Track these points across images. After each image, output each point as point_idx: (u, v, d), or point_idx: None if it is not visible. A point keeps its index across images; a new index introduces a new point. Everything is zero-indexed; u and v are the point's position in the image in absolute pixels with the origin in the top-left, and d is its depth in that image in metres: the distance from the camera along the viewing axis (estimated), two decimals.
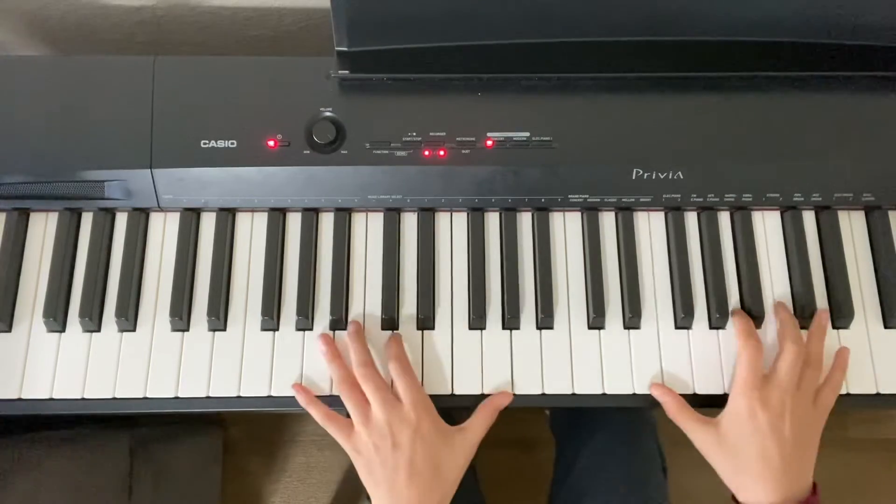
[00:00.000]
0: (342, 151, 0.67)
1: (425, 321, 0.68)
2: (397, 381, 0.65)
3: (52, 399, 0.66)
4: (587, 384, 0.67)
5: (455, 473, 0.63)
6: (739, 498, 0.62)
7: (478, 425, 0.65)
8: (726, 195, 0.70)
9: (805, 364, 0.64)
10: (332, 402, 0.66)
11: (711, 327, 0.69)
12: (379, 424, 0.62)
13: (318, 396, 0.66)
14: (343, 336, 0.68)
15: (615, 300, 0.70)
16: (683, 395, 0.67)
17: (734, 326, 0.67)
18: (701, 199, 0.70)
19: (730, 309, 0.69)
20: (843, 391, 0.67)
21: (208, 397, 0.66)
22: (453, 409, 0.68)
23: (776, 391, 0.61)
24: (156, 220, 0.71)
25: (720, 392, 0.67)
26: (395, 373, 0.65)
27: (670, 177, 0.68)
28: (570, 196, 0.70)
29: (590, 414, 0.90)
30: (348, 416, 0.64)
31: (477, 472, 0.95)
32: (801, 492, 0.60)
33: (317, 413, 0.64)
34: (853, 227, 0.72)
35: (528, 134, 0.68)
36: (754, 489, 0.60)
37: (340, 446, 0.64)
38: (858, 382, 0.68)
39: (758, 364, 0.63)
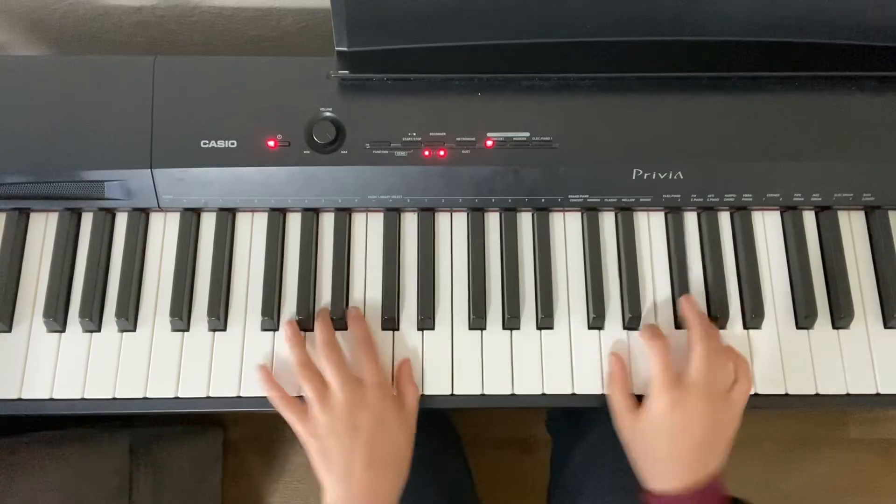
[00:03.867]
0: (342, 151, 0.67)
1: (425, 321, 0.68)
2: (361, 363, 0.64)
3: (52, 399, 0.66)
4: (587, 384, 0.67)
5: (409, 456, 0.63)
6: (647, 485, 0.63)
7: (413, 399, 0.65)
8: (726, 195, 0.70)
9: (719, 361, 0.63)
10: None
11: None
12: (338, 406, 0.60)
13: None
14: (346, 336, 0.68)
15: (615, 300, 0.70)
16: None
17: (641, 330, 0.67)
18: (701, 199, 0.70)
19: (729, 309, 0.69)
20: (843, 391, 0.68)
21: (208, 397, 0.66)
22: (453, 410, 0.68)
23: (690, 392, 0.61)
24: (156, 220, 0.71)
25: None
26: (360, 354, 0.64)
27: (670, 177, 0.68)
28: (570, 196, 0.70)
29: (585, 414, 0.90)
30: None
31: (473, 473, 0.94)
32: (705, 479, 0.61)
33: (273, 395, 0.64)
34: (853, 227, 0.72)
35: (528, 134, 0.68)
36: (662, 479, 0.62)
37: None
38: (858, 382, 0.68)
39: (668, 363, 0.63)
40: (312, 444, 0.61)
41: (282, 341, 0.68)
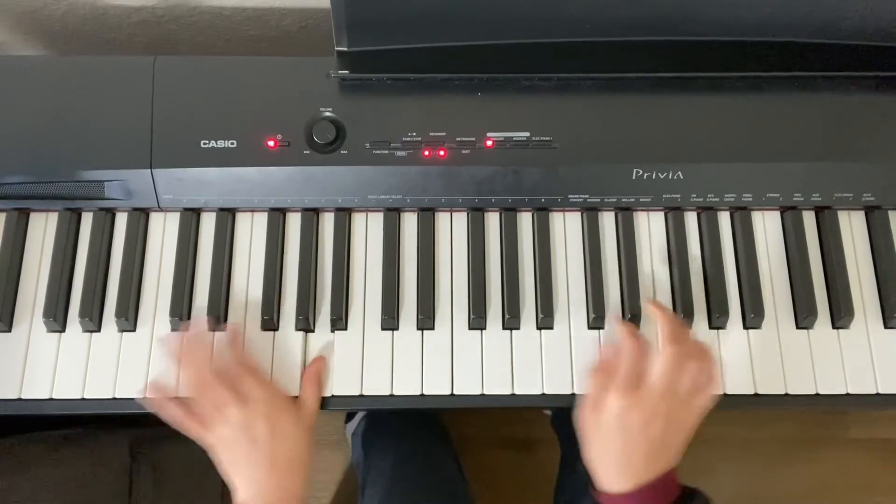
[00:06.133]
0: (342, 151, 0.67)
1: (425, 321, 0.68)
2: (247, 384, 0.64)
3: (52, 399, 0.66)
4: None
5: (308, 454, 0.65)
6: (597, 484, 0.62)
7: (313, 401, 0.66)
8: (726, 195, 0.70)
9: (684, 365, 0.62)
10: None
11: (711, 327, 0.69)
12: (235, 422, 0.62)
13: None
14: (344, 336, 0.68)
15: (615, 300, 0.70)
16: None
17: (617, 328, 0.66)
18: (701, 200, 0.70)
19: (730, 309, 0.69)
20: (843, 391, 0.68)
21: None
22: (451, 410, 0.68)
23: (649, 396, 0.60)
24: (156, 220, 0.71)
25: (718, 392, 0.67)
26: (244, 377, 0.64)
27: (670, 177, 0.68)
28: (570, 196, 0.70)
29: None
30: None
31: (465, 472, 0.94)
32: (656, 476, 0.60)
33: (173, 414, 0.64)
34: (853, 227, 0.72)
35: (528, 134, 0.68)
36: (609, 477, 0.61)
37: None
38: (858, 382, 0.68)
39: (633, 364, 0.62)
40: (221, 454, 0.63)
41: (281, 341, 0.68)
